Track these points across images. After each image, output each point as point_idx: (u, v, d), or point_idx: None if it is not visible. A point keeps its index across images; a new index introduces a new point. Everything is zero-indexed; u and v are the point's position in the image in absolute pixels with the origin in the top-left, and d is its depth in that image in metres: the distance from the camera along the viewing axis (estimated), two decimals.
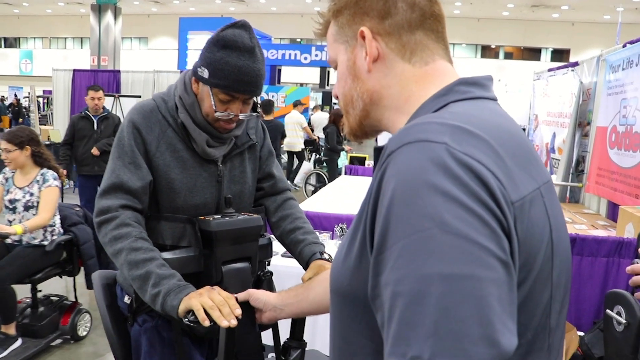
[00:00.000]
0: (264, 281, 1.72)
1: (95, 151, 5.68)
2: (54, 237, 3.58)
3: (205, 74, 1.58)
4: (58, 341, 3.74)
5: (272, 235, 1.90)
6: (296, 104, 10.80)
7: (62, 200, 5.62)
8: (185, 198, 1.64)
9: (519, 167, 0.70)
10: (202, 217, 1.62)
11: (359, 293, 0.72)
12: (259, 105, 1.87)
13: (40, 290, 3.71)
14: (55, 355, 3.60)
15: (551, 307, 0.75)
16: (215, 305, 1.37)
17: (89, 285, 3.64)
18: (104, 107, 5.89)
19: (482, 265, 0.60)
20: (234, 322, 1.37)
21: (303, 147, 10.34)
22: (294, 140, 10.03)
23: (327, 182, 8.50)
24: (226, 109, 1.60)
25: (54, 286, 4.13)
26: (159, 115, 1.64)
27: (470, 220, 0.61)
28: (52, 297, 3.87)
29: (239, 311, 1.38)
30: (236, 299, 1.43)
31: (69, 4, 28.93)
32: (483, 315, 0.58)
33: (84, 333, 3.87)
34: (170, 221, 1.63)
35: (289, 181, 10.02)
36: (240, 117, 1.64)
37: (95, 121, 5.80)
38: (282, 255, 2.95)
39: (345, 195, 5.05)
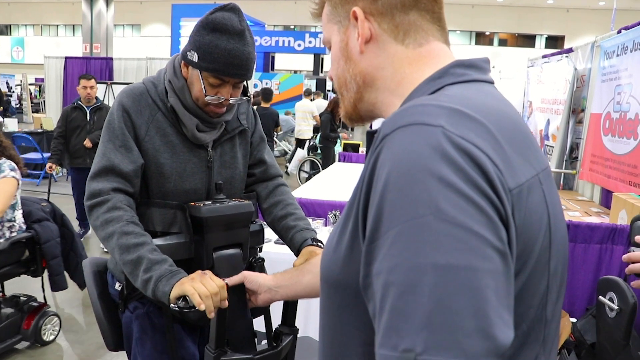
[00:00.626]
0: (256, 267, 1.71)
1: (87, 143, 5.53)
2: (13, 234, 3.28)
3: (194, 57, 1.55)
4: (24, 344, 3.52)
5: (264, 222, 1.89)
6: (308, 93, 10.96)
7: (49, 192, 5.55)
8: (175, 183, 1.62)
9: (517, 153, 0.68)
10: (192, 203, 1.61)
11: (350, 282, 0.70)
12: (252, 93, 1.81)
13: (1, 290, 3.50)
14: None
15: (547, 298, 0.73)
16: (209, 294, 1.36)
17: (54, 287, 3.46)
18: (96, 97, 5.73)
19: (478, 255, 0.58)
20: (225, 303, 1.39)
21: (312, 135, 10.44)
22: (304, 128, 10.21)
23: (320, 169, 8.49)
24: (216, 93, 1.58)
25: (34, 286, 3.88)
26: (149, 99, 1.62)
27: (466, 208, 0.59)
28: (20, 297, 3.58)
29: (225, 302, 1.39)
30: (227, 285, 1.42)
31: None
32: (478, 308, 0.56)
33: (51, 337, 3.60)
34: (161, 207, 1.61)
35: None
36: (231, 102, 1.62)
37: (88, 112, 5.64)
38: (275, 243, 2.94)
39: (338, 182, 5.04)
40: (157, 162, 1.60)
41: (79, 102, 5.66)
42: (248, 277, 1.45)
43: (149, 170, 1.61)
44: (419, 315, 0.56)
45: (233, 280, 1.45)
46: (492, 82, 0.80)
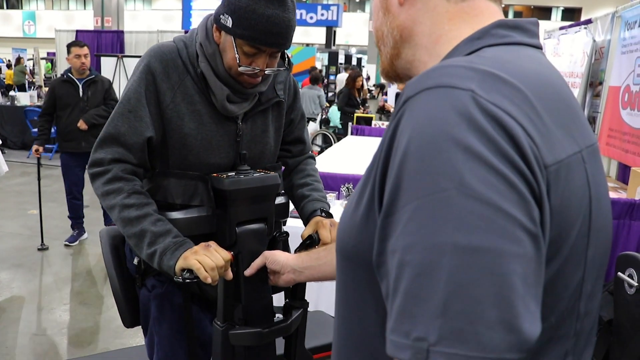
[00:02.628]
0: (279, 242, 1.65)
1: (82, 125, 4.62)
2: None
3: (228, 22, 1.41)
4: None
5: None
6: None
7: (39, 178, 5.09)
8: (198, 156, 1.52)
9: (559, 126, 0.61)
10: (215, 175, 1.51)
11: (364, 256, 0.65)
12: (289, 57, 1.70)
13: None
14: None
15: (582, 290, 0.66)
16: (215, 266, 1.34)
17: None
18: (90, 69, 4.80)
19: (505, 236, 0.51)
20: (229, 275, 1.38)
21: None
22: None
23: (333, 142, 8.45)
24: (251, 62, 1.45)
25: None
26: (179, 60, 1.49)
27: (495, 183, 0.52)
28: None
29: (229, 274, 1.39)
30: (234, 257, 1.42)
31: None
32: (503, 296, 0.50)
33: None
34: (181, 178, 1.52)
35: None
36: (267, 72, 1.49)
37: (80, 86, 4.71)
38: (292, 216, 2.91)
39: (351, 156, 5.01)
40: (180, 131, 1.49)
41: (69, 74, 4.73)
42: (270, 257, 1.41)
43: (171, 139, 1.51)
44: (435, 301, 0.51)
45: (253, 267, 1.43)
46: (539, 47, 0.73)
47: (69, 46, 4.75)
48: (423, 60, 0.75)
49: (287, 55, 1.64)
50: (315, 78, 9.76)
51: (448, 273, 0.51)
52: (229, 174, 1.52)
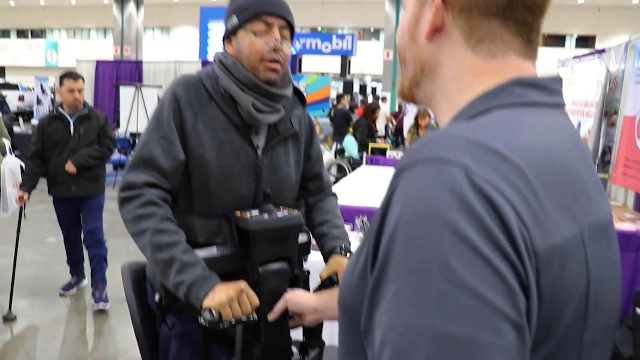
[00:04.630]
0: (300, 281, 1.66)
1: (70, 168, 4.02)
2: None
3: (234, 20, 1.56)
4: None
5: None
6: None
7: (19, 227, 4.19)
8: (218, 185, 1.54)
9: (558, 205, 0.59)
10: (238, 214, 1.51)
11: (357, 313, 0.64)
12: (304, 91, 1.77)
13: None
14: None
15: None
16: (242, 315, 1.38)
17: None
18: (84, 103, 4.18)
19: (488, 327, 0.49)
20: (255, 318, 1.40)
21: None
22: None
23: (348, 172, 8.47)
24: (266, 41, 1.54)
25: None
26: (202, 89, 1.57)
27: (481, 270, 0.50)
28: None
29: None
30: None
31: None
32: None
33: None
34: (204, 217, 1.53)
35: None
36: (284, 50, 1.57)
37: (71, 122, 4.11)
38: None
39: (366, 186, 5.01)
40: (202, 158, 1.53)
41: (60, 108, 4.14)
42: (291, 300, 1.43)
43: (193, 167, 1.54)
44: None
45: (276, 311, 1.45)
46: (559, 105, 0.69)
47: (62, 78, 4.12)
48: (441, 105, 0.73)
49: (302, 92, 1.71)
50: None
51: (425, 358, 0.50)
52: (253, 213, 1.52)
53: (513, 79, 0.67)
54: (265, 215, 1.51)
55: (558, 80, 0.70)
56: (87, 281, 4.57)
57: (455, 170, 0.54)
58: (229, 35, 1.60)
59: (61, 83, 4.09)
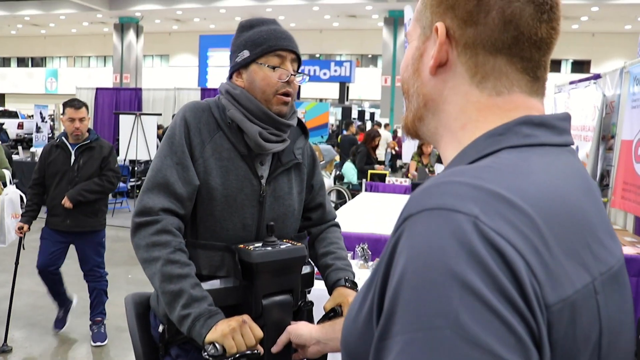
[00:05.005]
0: (304, 312, 1.65)
1: (67, 203, 3.83)
2: None
3: (246, 54, 1.59)
4: None
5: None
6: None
7: (17, 257, 4.07)
8: (222, 212, 1.55)
9: (569, 254, 0.57)
10: (241, 246, 1.51)
11: (364, 358, 0.62)
12: (302, 117, 1.81)
13: None
14: None
15: None
16: (245, 347, 1.36)
17: None
18: (89, 130, 4.04)
19: None
20: (260, 350, 1.39)
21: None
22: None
23: (347, 198, 8.47)
24: (280, 75, 1.58)
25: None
26: (211, 117, 1.59)
27: (492, 325, 0.49)
28: None
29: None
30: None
31: (93, 24, 29.49)
32: None
33: None
34: (208, 249, 1.54)
35: None
36: (297, 81, 1.62)
37: (73, 152, 3.95)
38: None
39: (366, 213, 5.01)
40: (207, 184, 1.54)
41: (63, 137, 4.00)
42: (293, 332, 1.42)
43: (199, 193, 1.55)
44: None
45: (279, 344, 1.44)
46: (567, 145, 0.68)
47: (64, 106, 3.97)
48: (444, 139, 0.72)
49: (304, 124, 1.75)
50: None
51: None
52: (256, 245, 1.52)
53: (521, 117, 0.65)
54: (269, 248, 1.50)
55: (566, 118, 0.69)
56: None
57: (463, 219, 0.53)
58: (239, 68, 1.62)
59: (63, 111, 3.97)
